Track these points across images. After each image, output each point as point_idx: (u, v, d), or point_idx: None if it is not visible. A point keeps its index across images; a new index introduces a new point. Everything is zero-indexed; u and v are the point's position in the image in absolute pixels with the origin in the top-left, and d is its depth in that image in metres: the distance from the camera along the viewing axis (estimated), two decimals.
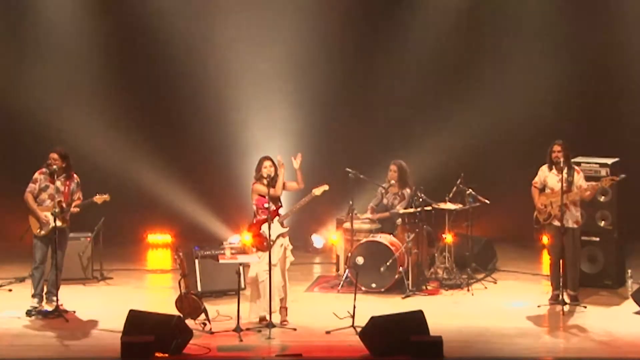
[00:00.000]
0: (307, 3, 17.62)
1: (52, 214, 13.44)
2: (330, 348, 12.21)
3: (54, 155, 13.63)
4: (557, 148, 13.73)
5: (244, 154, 17.05)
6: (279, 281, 13.05)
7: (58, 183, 13.58)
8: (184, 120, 18.05)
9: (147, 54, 17.83)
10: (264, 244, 13.00)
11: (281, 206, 13.22)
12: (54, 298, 13.58)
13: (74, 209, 13.69)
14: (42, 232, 13.59)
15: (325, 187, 13.31)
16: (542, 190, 13.97)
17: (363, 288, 14.42)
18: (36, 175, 13.68)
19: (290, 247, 13.30)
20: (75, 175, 13.76)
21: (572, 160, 13.98)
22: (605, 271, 14.77)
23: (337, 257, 15.68)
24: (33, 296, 13.66)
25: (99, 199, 13.94)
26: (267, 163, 13.16)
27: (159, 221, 18.02)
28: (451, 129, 17.49)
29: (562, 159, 13.63)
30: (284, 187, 13.27)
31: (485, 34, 17.67)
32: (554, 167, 13.78)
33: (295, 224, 14.90)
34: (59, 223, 13.50)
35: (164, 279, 16.09)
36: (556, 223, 13.73)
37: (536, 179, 14.02)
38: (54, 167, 13.55)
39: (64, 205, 13.56)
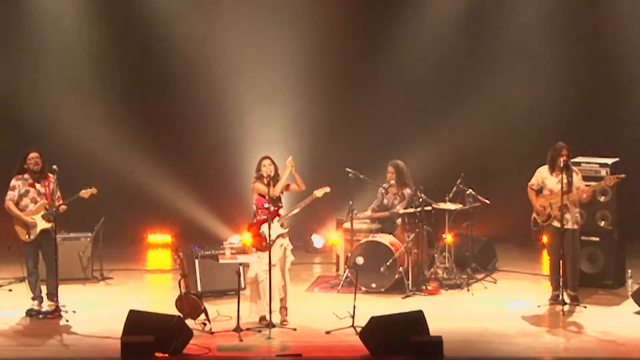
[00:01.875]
0: (308, 3, 17.62)
1: (42, 216, 13.43)
2: (330, 348, 12.21)
3: (36, 155, 13.54)
4: (565, 152, 13.67)
5: (244, 154, 17.05)
6: (279, 281, 13.05)
7: (38, 185, 13.54)
8: (184, 120, 18.04)
9: (148, 54, 17.83)
10: (263, 244, 13.00)
11: (281, 207, 13.22)
12: (55, 299, 13.57)
13: (62, 207, 13.65)
14: (31, 237, 13.54)
15: (327, 189, 13.29)
16: (538, 192, 13.97)
17: (363, 288, 14.41)
18: (13, 182, 13.57)
19: (291, 247, 13.30)
20: (51, 175, 13.66)
21: (572, 160, 13.97)
22: (605, 271, 14.76)
23: (337, 257, 15.68)
24: (33, 299, 13.65)
25: (85, 193, 13.72)
26: (267, 162, 13.15)
27: (159, 221, 18.03)
28: (451, 129, 17.50)
29: (568, 160, 13.63)
30: (287, 188, 13.24)
31: (485, 35, 17.67)
32: (555, 168, 13.74)
33: (296, 224, 14.90)
34: (47, 225, 13.49)
35: (164, 279, 16.09)
36: (556, 224, 13.73)
37: (533, 181, 14.00)
38: (36, 167, 13.46)
39: (47, 206, 13.52)
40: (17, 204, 13.55)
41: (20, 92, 17.66)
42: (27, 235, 13.54)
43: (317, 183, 13.42)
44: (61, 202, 13.64)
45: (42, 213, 13.52)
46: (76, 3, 17.72)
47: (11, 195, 13.55)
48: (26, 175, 13.56)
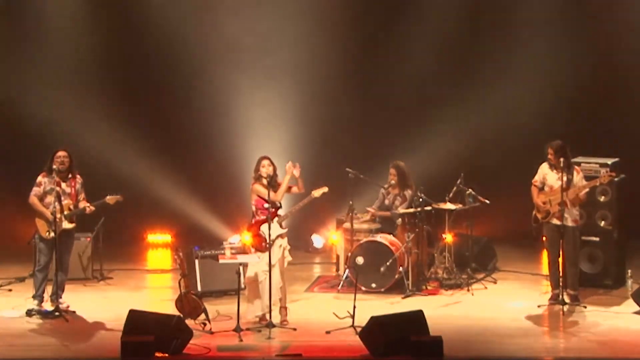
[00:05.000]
0: (309, 2, 17.62)
1: (65, 216, 13.40)
2: (330, 348, 12.21)
3: (64, 154, 13.55)
4: (550, 151, 13.74)
5: (244, 154, 17.03)
6: (278, 282, 13.05)
7: (64, 185, 13.55)
8: (183, 120, 18.04)
9: (148, 54, 17.84)
10: (262, 245, 13.00)
11: (280, 207, 13.22)
12: (60, 300, 13.58)
13: (90, 208, 13.65)
14: (52, 235, 13.53)
15: (325, 189, 13.30)
16: (541, 188, 13.98)
17: (363, 288, 14.41)
18: (39, 178, 13.58)
19: (288, 247, 13.29)
20: (78, 176, 13.72)
21: (572, 160, 13.97)
22: (605, 271, 14.76)
23: (337, 257, 15.68)
24: (34, 297, 13.63)
25: (111, 199, 13.78)
26: (266, 162, 13.13)
27: (159, 221, 18.03)
28: (451, 129, 17.50)
29: (554, 161, 13.66)
30: (288, 190, 13.22)
31: (486, 35, 17.67)
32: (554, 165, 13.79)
33: (296, 224, 14.92)
34: (69, 225, 13.50)
35: (164, 279, 16.09)
36: (555, 221, 13.74)
37: (536, 177, 14.02)
38: (62, 167, 13.48)
39: (71, 207, 13.54)
40: (41, 200, 13.53)
41: (23, 95, 17.65)
42: (47, 232, 13.53)
43: (317, 183, 13.42)
44: (87, 203, 13.64)
45: (65, 213, 13.51)
46: (89, 13, 17.74)
47: (36, 190, 13.55)
48: (53, 174, 13.55)
